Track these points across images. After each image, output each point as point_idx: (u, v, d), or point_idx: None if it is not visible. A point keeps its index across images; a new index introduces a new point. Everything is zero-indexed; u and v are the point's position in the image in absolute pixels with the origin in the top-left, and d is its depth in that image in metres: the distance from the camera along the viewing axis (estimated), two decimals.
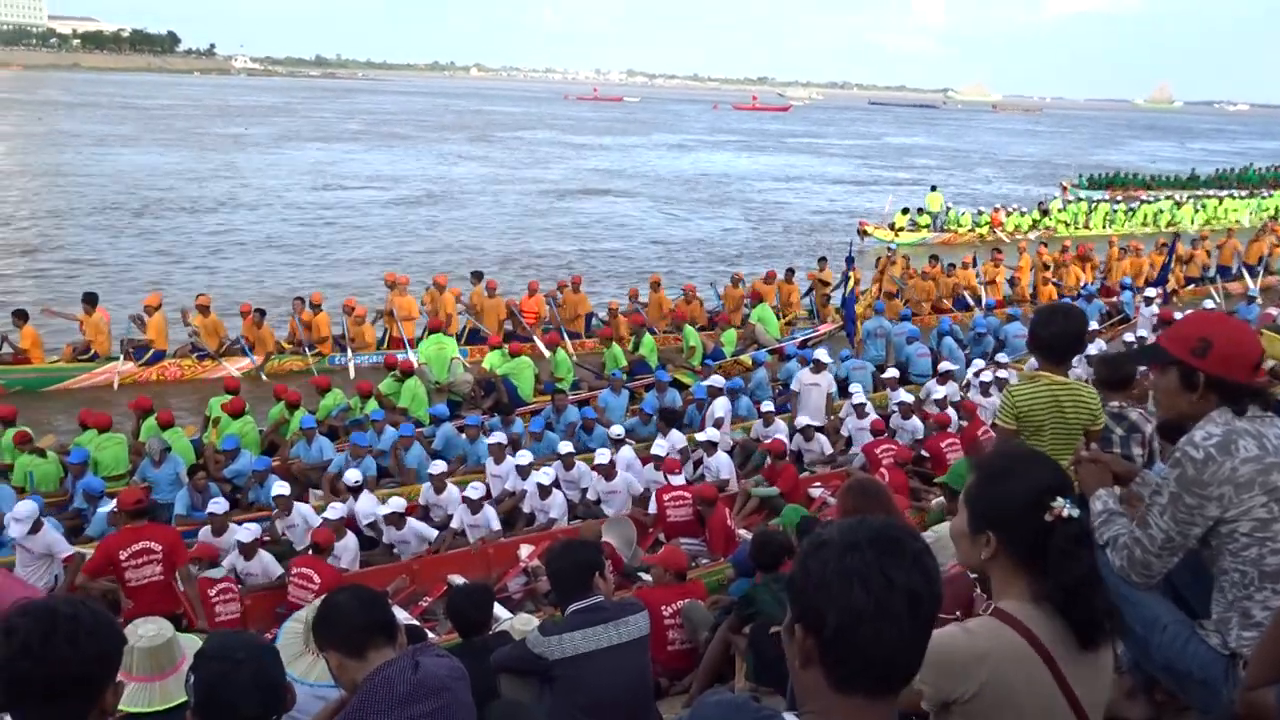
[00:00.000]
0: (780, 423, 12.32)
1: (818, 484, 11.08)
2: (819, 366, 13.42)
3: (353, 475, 10.31)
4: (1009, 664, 2.18)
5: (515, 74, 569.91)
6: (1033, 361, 13.69)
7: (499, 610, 6.88)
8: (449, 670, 3.18)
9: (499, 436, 11.20)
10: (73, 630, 2.14)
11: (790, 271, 20.58)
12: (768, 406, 12.58)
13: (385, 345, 16.73)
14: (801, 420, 12.31)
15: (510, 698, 4.65)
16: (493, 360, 14.61)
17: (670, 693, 6.52)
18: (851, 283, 17.03)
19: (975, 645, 2.20)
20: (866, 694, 1.68)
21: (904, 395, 12.83)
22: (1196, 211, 36.97)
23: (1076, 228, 33.62)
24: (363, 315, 16.80)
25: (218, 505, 9.28)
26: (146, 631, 3.56)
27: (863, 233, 29.82)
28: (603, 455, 10.64)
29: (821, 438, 12.22)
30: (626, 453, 11.12)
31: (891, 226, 30.50)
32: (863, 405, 12.32)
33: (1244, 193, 42.86)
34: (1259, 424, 2.94)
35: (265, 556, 9.15)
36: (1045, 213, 34.04)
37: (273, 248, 28.53)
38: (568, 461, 10.80)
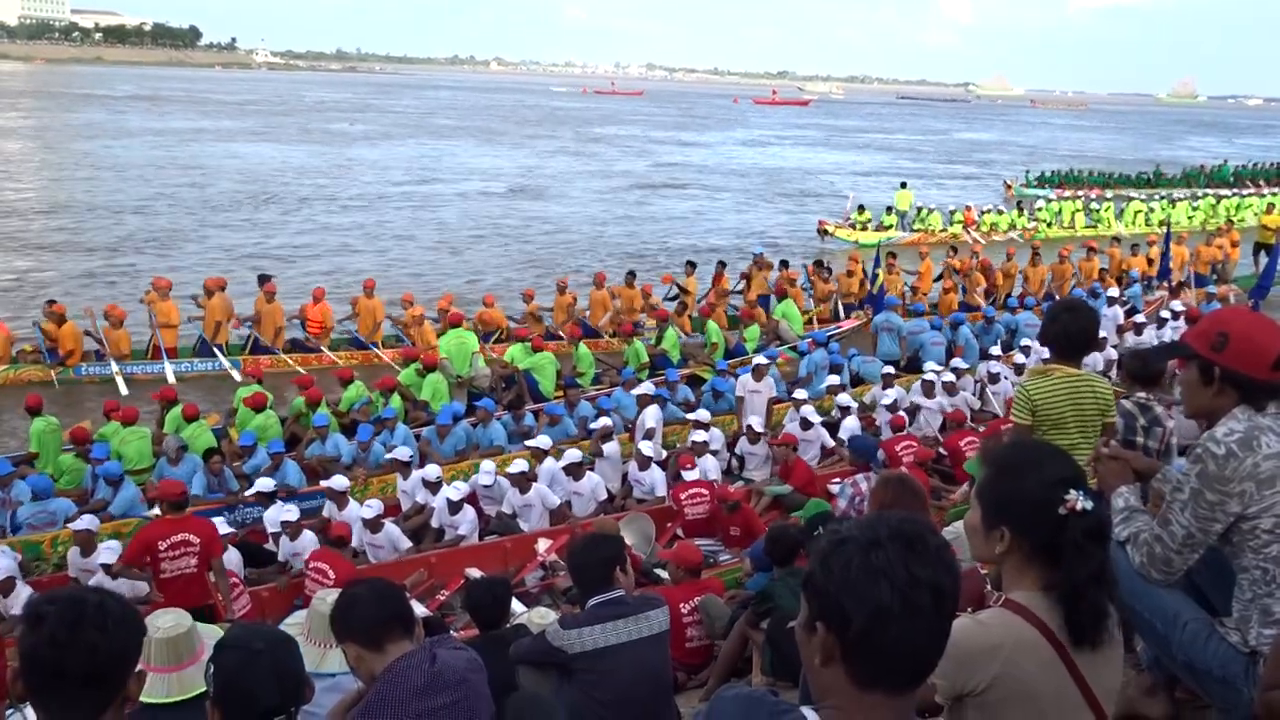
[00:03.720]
0: (716, 431, 11.86)
1: (836, 480, 10.99)
2: (760, 373, 12.93)
3: (265, 483, 9.89)
4: (1022, 654, 2.18)
5: (535, 68, 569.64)
6: (996, 364, 13.58)
7: (515, 604, 6.89)
8: (467, 663, 3.20)
9: (402, 452, 10.65)
10: (100, 618, 2.15)
11: (631, 274, 18.78)
12: (703, 415, 11.97)
13: (148, 355, 15.76)
14: (752, 420, 11.86)
15: (529, 690, 4.66)
16: (515, 355, 14.39)
17: (688, 687, 6.54)
18: (880, 280, 17.51)
19: (988, 636, 2.19)
20: (888, 690, 1.68)
21: (848, 400, 12.45)
22: (1194, 209, 34.96)
23: (1060, 227, 31.82)
24: (122, 318, 15.48)
25: (109, 551, 8.34)
26: (164, 623, 3.57)
27: (823, 232, 28.46)
28: (519, 466, 10.17)
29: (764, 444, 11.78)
30: (549, 464, 10.65)
31: (853, 225, 28.89)
32: (807, 420, 11.88)
33: (1211, 191, 40.37)
34: None
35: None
36: (1022, 211, 32.30)
37: (402, 237, 29.79)
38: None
